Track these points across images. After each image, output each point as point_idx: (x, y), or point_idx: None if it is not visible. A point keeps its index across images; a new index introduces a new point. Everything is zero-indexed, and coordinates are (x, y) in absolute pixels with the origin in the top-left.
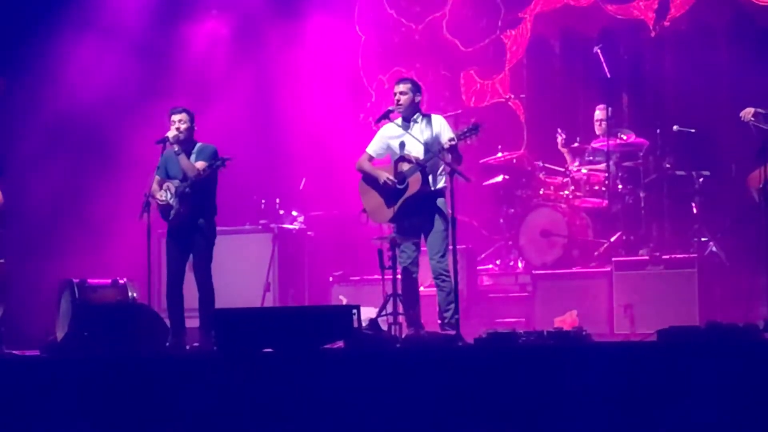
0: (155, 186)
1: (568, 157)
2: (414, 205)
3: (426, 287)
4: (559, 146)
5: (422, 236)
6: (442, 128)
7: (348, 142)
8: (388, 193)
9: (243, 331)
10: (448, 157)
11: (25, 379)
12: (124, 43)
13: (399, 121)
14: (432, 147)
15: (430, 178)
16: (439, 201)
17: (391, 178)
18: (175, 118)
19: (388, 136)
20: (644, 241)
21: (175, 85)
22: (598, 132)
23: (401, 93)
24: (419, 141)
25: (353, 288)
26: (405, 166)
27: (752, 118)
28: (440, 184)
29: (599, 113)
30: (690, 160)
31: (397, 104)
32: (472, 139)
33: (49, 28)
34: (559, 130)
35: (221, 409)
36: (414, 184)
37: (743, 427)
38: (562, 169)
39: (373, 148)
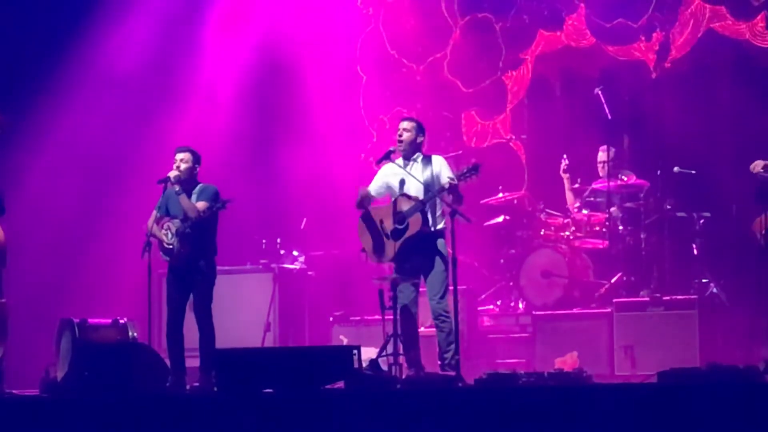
0: (151, 221)
1: (567, 183)
2: (414, 245)
3: (426, 328)
4: (561, 171)
5: (422, 277)
6: (441, 168)
7: (349, 183)
8: (387, 234)
9: (243, 372)
10: (449, 198)
11: (25, 420)
12: (126, 84)
13: (400, 161)
14: (432, 186)
15: (430, 218)
16: (439, 242)
17: (385, 226)
18: (178, 156)
19: (388, 175)
20: (645, 282)
21: (176, 125)
22: (601, 174)
23: (404, 130)
24: (419, 180)
25: (354, 328)
26: (405, 206)
27: (761, 170)
28: (440, 225)
29: (602, 155)
30: (691, 202)
31: (399, 140)
32: (473, 179)
33: (51, 69)
34: (565, 156)
35: None
36: (414, 224)
37: None
38: (563, 214)
39: (373, 187)
